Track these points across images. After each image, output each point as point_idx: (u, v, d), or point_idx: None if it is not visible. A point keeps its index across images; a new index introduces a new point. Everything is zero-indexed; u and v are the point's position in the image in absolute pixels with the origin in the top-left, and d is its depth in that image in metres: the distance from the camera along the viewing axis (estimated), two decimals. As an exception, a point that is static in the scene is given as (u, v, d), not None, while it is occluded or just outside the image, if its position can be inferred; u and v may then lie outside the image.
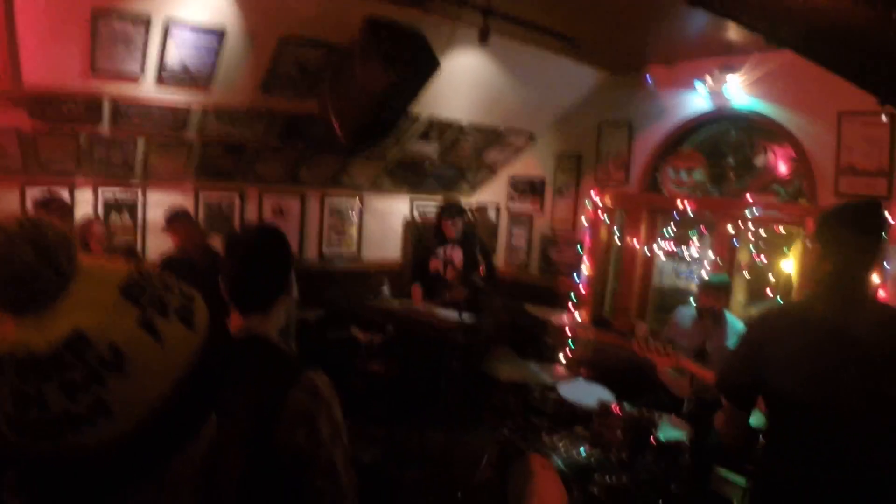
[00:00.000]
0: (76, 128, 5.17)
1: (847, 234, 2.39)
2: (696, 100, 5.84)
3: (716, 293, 4.75)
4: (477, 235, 6.78)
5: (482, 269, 6.11)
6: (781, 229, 5.52)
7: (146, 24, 4.45)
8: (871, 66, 1.68)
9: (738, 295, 5.67)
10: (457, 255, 6.20)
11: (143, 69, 4.78)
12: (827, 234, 2.45)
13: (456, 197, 7.84)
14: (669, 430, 4.17)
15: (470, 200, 8.34)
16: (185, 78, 5.00)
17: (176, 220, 5.39)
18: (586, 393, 4.91)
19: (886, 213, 4.24)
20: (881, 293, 4.42)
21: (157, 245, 5.82)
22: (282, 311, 2.03)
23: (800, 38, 1.90)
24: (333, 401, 1.81)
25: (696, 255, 6.16)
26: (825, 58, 1.95)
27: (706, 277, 5.05)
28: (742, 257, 5.62)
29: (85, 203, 5.79)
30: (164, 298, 0.94)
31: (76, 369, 0.81)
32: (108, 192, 5.92)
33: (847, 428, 2.25)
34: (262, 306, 1.97)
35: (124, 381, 0.84)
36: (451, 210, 6.30)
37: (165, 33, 4.56)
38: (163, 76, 4.90)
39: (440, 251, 6.24)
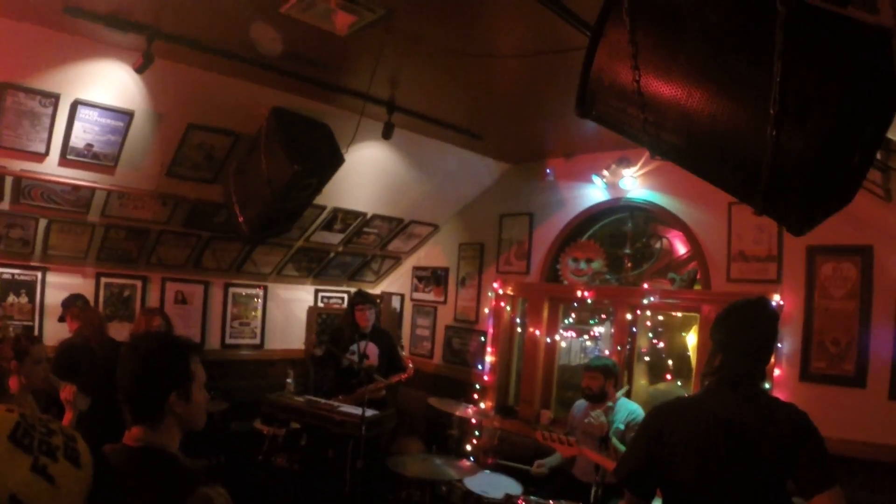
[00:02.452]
0: (-24, 203, 5.03)
1: (733, 333, 2.56)
2: (594, 191, 6.09)
3: (592, 374, 4.91)
4: (387, 330, 6.75)
5: (410, 370, 6.06)
6: (678, 314, 5.74)
7: (55, 102, 4.44)
8: (748, 180, 1.80)
9: (640, 379, 5.83)
10: (371, 350, 6.13)
11: (48, 147, 4.74)
12: (716, 332, 2.62)
13: (362, 289, 7.84)
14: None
15: (374, 290, 8.34)
16: (91, 158, 4.95)
17: (73, 305, 5.23)
18: (493, 485, 4.90)
19: (777, 299, 4.54)
20: (777, 371, 4.66)
21: (56, 329, 5.65)
22: (176, 421, 1.95)
23: (679, 151, 2.03)
24: None
25: (598, 339, 6.35)
26: (704, 171, 2.08)
27: (589, 362, 5.21)
28: (641, 342, 5.79)
29: (-20, 281, 5.58)
30: (51, 441, 0.94)
31: None
32: (6, 272, 5.73)
33: None
34: (149, 418, 1.92)
35: None
36: (359, 300, 6.24)
37: (73, 112, 4.55)
38: (67, 155, 4.85)
39: (353, 346, 6.12)
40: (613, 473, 2.76)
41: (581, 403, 5.19)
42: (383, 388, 5.87)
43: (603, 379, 4.88)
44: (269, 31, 3.88)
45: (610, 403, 4.72)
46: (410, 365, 6.12)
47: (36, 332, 5.76)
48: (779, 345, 4.68)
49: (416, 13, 3.57)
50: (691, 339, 5.69)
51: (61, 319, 5.42)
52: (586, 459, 4.63)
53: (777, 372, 4.69)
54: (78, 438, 1.02)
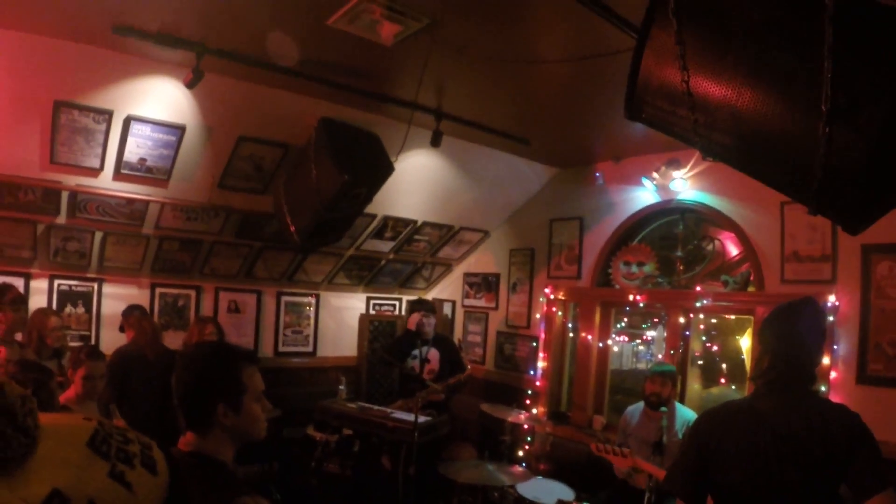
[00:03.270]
0: (33, 216, 5.19)
1: (780, 335, 2.53)
2: (644, 194, 6.03)
3: (661, 379, 4.82)
4: (449, 336, 6.80)
5: (469, 371, 6.08)
6: (731, 317, 5.65)
7: (108, 118, 4.55)
8: (801, 179, 1.77)
9: (693, 383, 5.74)
10: (433, 355, 6.19)
11: (102, 162, 4.86)
12: (763, 335, 2.60)
13: (423, 297, 7.87)
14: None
15: (425, 297, 8.38)
16: (144, 172, 5.07)
17: (131, 315, 5.37)
18: (545, 491, 4.88)
19: (832, 300, 4.43)
20: (833, 374, 4.55)
21: (111, 338, 5.78)
22: (225, 432, 1.95)
23: (730, 151, 2.01)
24: None
25: (651, 343, 6.28)
26: (756, 170, 2.05)
27: (651, 368, 5.11)
28: (694, 346, 5.71)
29: (40, 293, 5.74)
30: (128, 449, 0.97)
31: None
32: (64, 283, 5.88)
33: None
34: (198, 426, 1.94)
35: None
36: (425, 308, 6.32)
37: (126, 128, 4.66)
38: (122, 170, 4.97)
39: (415, 351, 6.22)
40: (664, 482, 2.73)
41: (635, 409, 5.12)
42: (442, 391, 5.89)
43: (671, 385, 4.83)
44: (317, 45, 3.94)
45: (664, 409, 4.67)
46: (469, 366, 6.13)
47: (93, 342, 5.92)
48: (834, 346, 4.57)
49: (460, 21, 3.58)
50: (745, 342, 5.59)
51: (121, 329, 5.57)
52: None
53: (833, 374, 4.58)
54: (154, 447, 1.05)
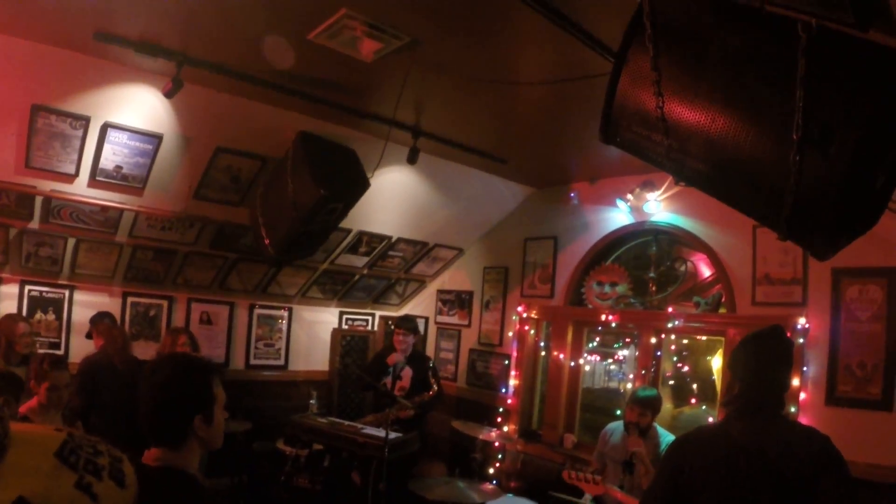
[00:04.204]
0: (6, 221, 5.14)
1: (749, 363, 2.61)
2: (618, 215, 6.10)
3: (641, 408, 4.76)
4: (426, 355, 6.79)
5: (433, 390, 6.03)
6: (703, 338, 5.71)
7: (85, 124, 4.53)
8: (772, 206, 1.81)
9: (665, 403, 5.76)
10: (406, 373, 6.18)
11: (77, 168, 4.83)
12: (733, 363, 2.68)
13: (408, 314, 7.83)
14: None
15: (398, 312, 8.38)
16: (120, 180, 5.05)
17: (100, 322, 5.32)
18: (515, 509, 4.87)
19: (802, 322, 4.50)
20: (802, 395, 4.61)
21: (82, 346, 5.73)
22: (198, 443, 1.96)
23: (703, 177, 2.05)
24: None
25: (622, 362, 6.33)
26: (728, 196, 2.09)
27: (635, 392, 5.04)
28: (666, 366, 5.75)
29: (10, 298, 5.68)
30: (97, 461, 0.98)
31: None
32: (35, 289, 5.82)
33: None
34: (172, 441, 1.92)
35: None
36: (401, 325, 6.32)
37: (103, 135, 4.64)
38: (97, 177, 4.94)
39: (391, 369, 6.22)
40: None
41: (616, 427, 5.08)
42: (412, 408, 5.87)
43: (651, 415, 4.81)
44: (297, 59, 3.95)
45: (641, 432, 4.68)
46: (435, 387, 6.10)
47: (62, 350, 5.86)
48: (804, 368, 4.64)
49: (441, 40, 3.62)
50: (716, 362, 5.65)
51: (88, 336, 5.50)
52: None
53: (802, 396, 4.63)
54: (124, 459, 1.06)
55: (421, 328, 8.08)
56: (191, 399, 1.95)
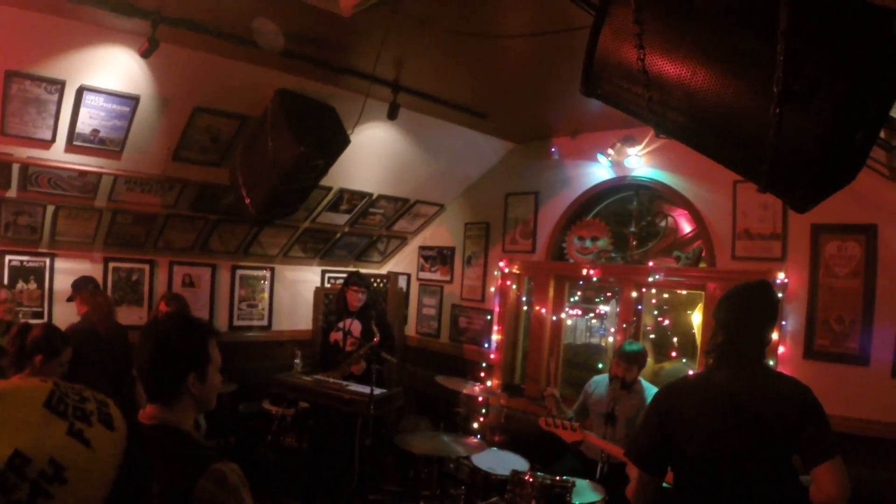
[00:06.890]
0: (-18, 190, 5.06)
1: (735, 313, 2.67)
2: (599, 170, 6.11)
3: (627, 363, 4.83)
4: (376, 307, 6.78)
5: (376, 339, 5.89)
6: (683, 292, 5.78)
7: (61, 88, 4.45)
8: (752, 158, 1.82)
9: (646, 356, 5.86)
10: (355, 326, 6.18)
11: (54, 134, 4.76)
12: (718, 313, 2.73)
13: (360, 270, 7.81)
14: (585, 495, 4.24)
15: (380, 270, 8.38)
16: (97, 144, 4.98)
17: (82, 288, 5.28)
18: (500, 462, 4.96)
19: (781, 277, 4.57)
20: (781, 349, 4.72)
21: (64, 313, 5.68)
22: (192, 401, 2.00)
23: (683, 129, 2.05)
24: (243, 488, 1.80)
25: (604, 317, 6.39)
26: (708, 148, 2.10)
27: (621, 346, 5.08)
28: (646, 320, 5.82)
29: (-10, 268, 5.63)
30: (84, 407, 1.00)
31: (20, 489, 0.84)
32: (15, 259, 5.76)
33: (743, 483, 2.46)
34: (166, 397, 1.96)
35: (68, 490, 0.88)
36: (353, 281, 6.32)
37: (79, 98, 4.56)
38: (74, 141, 4.87)
39: (340, 323, 6.23)
40: (626, 454, 2.83)
41: (601, 380, 5.15)
42: (362, 361, 5.89)
43: (637, 369, 4.88)
44: (273, 15, 3.88)
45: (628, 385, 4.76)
46: (376, 337, 6.00)
47: (45, 318, 5.81)
48: (783, 322, 4.71)
49: (421, -7, 3.57)
50: (696, 317, 5.72)
51: (70, 300, 5.46)
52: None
53: (781, 349, 4.72)
54: (110, 404, 1.09)
55: (403, 285, 8.10)
56: (186, 356, 1.99)
